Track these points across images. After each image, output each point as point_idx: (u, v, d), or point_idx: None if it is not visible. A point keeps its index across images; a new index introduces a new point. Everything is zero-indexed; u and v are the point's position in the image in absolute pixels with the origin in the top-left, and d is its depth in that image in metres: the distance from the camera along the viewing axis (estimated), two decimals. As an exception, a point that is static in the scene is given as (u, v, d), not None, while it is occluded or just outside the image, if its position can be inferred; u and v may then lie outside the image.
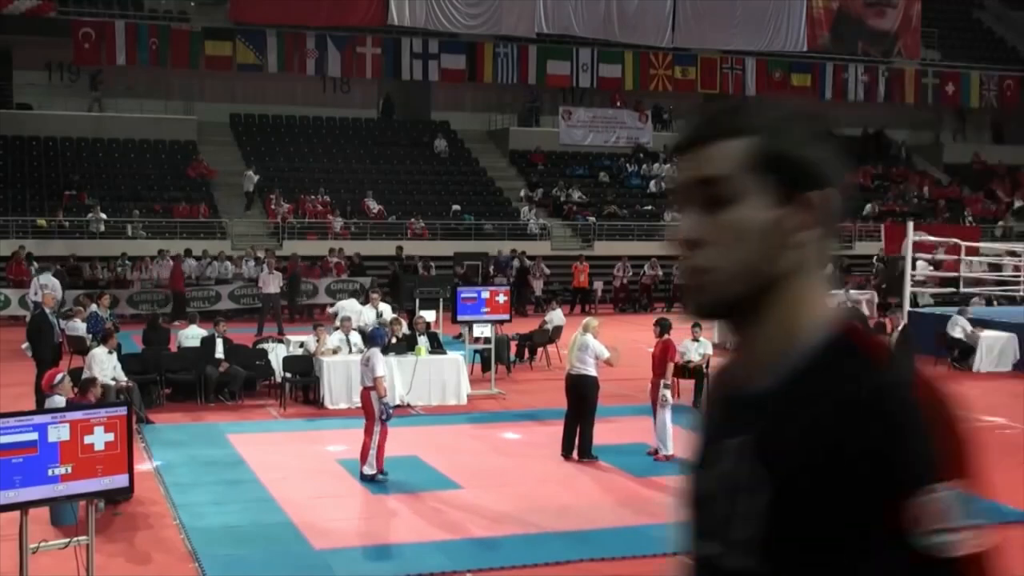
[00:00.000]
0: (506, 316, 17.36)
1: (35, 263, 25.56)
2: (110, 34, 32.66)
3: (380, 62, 35.52)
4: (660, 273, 31.28)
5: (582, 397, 12.25)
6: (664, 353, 12.83)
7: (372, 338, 12.35)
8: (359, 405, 15.46)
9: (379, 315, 17.75)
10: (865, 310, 27.52)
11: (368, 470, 11.47)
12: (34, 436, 6.84)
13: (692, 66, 38.72)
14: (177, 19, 34.80)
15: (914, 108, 43.24)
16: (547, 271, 30.35)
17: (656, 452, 12.75)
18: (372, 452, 11.44)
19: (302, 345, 16.99)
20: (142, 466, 11.30)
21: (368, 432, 11.51)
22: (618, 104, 39.21)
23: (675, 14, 36.96)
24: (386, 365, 11.92)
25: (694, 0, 37.20)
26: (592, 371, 12.19)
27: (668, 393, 12.73)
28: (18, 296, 25.13)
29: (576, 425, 12.35)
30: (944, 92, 42.16)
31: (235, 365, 16.13)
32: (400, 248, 29.62)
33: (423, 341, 16.34)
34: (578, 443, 12.32)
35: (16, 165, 32.26)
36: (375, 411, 11.48)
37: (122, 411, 7.27)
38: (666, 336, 12.95)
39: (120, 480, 7.24)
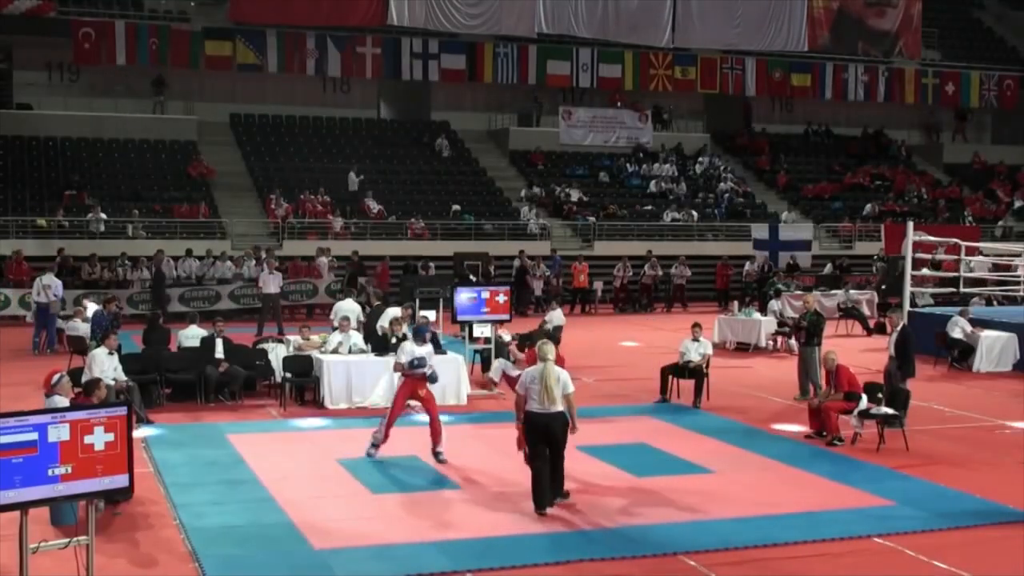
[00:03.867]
0: (506, 316, 17.34)
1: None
2: (110, 34, 32.67)
3: (380, 62, 35.54)
4: (660, 273, 31.32)
5: (558, 438, 10.39)
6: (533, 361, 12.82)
7: (416, 333, 13.31)
8: (359, 405, 15.61)
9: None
10: (865, 310, 27.56)
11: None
12: (34, 436, 6.84)
13: (692, 66, 38.74)
14: (177, 19, 34.81)
15: (914, 108, 43.26)
16: (547, 271, 30.35)
17: None
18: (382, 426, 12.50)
19: (299, 347, 17.00)
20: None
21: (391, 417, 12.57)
22: (618, 104, 39.21)
23: (675, 14, 36.94)
24: (411, 355, 12.64)
25: (694, 0, 37.20)
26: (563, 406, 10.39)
27: None
28: (18, 296, 25.15)
29: (549, 468, 10.40)
30: (944, 92, 42.20)
31: (235, 365, 16.13)
32: (356, 252, 29.04)
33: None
34: (554, 484, 10.48)
35: (16, 165, 32.25)
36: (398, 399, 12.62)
37: (122, 411, 7.26)
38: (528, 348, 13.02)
39: (120, 480, 7.23)
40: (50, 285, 22.26)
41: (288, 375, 16.17)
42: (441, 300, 19.28)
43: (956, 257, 25.93)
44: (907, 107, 42.93)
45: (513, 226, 33.41)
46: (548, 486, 10.31)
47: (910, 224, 23.67)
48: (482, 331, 17.31)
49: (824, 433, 13.66)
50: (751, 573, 8.98)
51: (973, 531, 10.08)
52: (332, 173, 34.66)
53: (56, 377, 10.97)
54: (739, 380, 18.41)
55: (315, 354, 16.35)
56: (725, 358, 20.75)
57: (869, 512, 10.55)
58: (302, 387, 16.27)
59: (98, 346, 14.95)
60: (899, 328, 15.57)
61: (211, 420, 14.80)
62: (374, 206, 32.95)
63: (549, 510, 10.26)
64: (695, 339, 16.52)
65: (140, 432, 12.90)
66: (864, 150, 42.92)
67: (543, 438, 10.29)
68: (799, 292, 26.24)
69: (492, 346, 17.34)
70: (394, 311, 17.34)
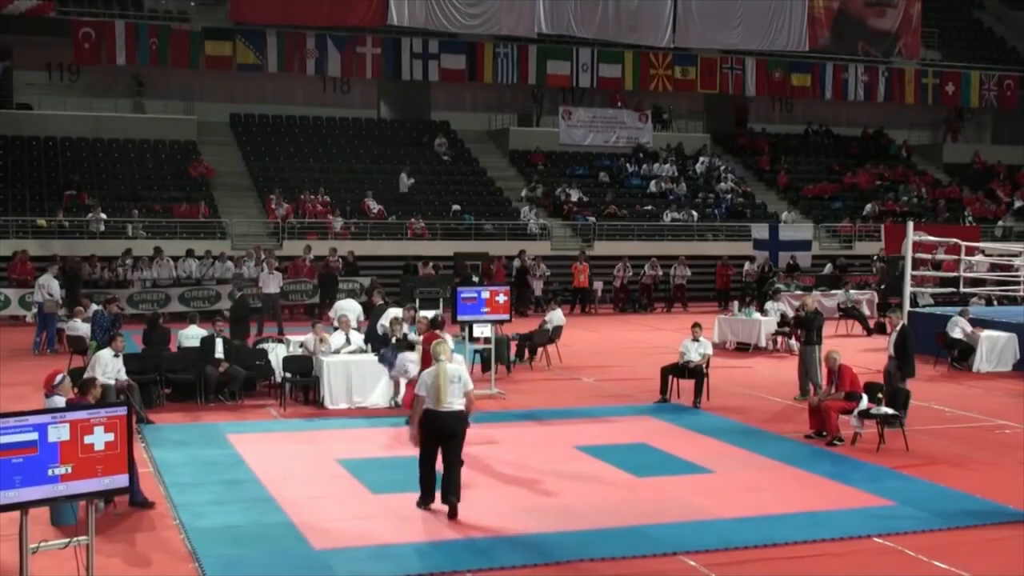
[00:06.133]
0: (506, 316, 17.33)
1: None
2: (110, 34, 32.66)
3: (380, 62, 35.53)
4: (660, 273, 31.32)
5: (456, 436, 10.34)
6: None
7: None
8: (359, 405, 15.62)
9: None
10: (865, 310, 27.56)
11: None
12: (34, 436, 6.83)
13: (692, 66, 38.73)
14: (177, 19, 34.80)
15: (914, 108, 43.26)
16: (547, 271, 30.36)
17: None
18: None
19: (302, 345, 16.98)
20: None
21: None
22: (618, 104, 39.22)
23: (675, 14, 36.92)
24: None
25: (694, 0, 37.19)
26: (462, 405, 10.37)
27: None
28: (18, 296, 25.16)
29: (444, 468, 10.36)
30: (944, 92, 42.19)
31: (235, 365, 16.13)
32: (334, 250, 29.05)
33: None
34: (450, 485, 10.26)
35: (16, 165, 32.24)
36: None
37: (122, 411, 7.25)
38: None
39: (120, 480, 7.23)
40: (44, 285, 22.31)
41: (288, 375, 16.17)
42: (441, 300, 19.29)
43: (956, 257, 25.91)
44: (907, 107, 42.93)
45: (513, 226, 33.40)
46: (434, 483, 10.40)
47: (910, 224, 23.67)
48: (482, 331, 17.29)
49: (824, 433, 13.66)
50: (751, 573, 8.98)
51: (973, 531, 10.08)
52: (332, 173, 34.65)
53: (58, 378, 10.95)
54: (739, 380, 18.41)
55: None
56: (725, 358, 20.75)
57: (869, 512, 10.55)
58: (304, 387, 16.27)
59: (99, 346, 14.95)
60: (899, 328, 15.57)
61: (211, 420, 14.80)
62: (374, 206, 32.94)
63: (434, 506, 10.36)
64: (695, 339, 16.51)
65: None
66: (864, 150, 42.92)
67: (439, 437, 10.24)
68: (799, 292, 26.25)
69: (492, 346, 17.32)
70: (395, 311, 17.35)
